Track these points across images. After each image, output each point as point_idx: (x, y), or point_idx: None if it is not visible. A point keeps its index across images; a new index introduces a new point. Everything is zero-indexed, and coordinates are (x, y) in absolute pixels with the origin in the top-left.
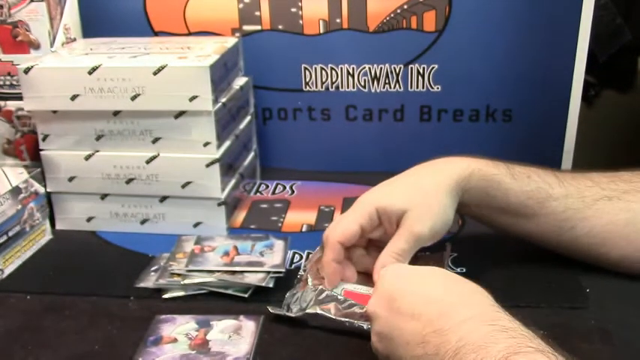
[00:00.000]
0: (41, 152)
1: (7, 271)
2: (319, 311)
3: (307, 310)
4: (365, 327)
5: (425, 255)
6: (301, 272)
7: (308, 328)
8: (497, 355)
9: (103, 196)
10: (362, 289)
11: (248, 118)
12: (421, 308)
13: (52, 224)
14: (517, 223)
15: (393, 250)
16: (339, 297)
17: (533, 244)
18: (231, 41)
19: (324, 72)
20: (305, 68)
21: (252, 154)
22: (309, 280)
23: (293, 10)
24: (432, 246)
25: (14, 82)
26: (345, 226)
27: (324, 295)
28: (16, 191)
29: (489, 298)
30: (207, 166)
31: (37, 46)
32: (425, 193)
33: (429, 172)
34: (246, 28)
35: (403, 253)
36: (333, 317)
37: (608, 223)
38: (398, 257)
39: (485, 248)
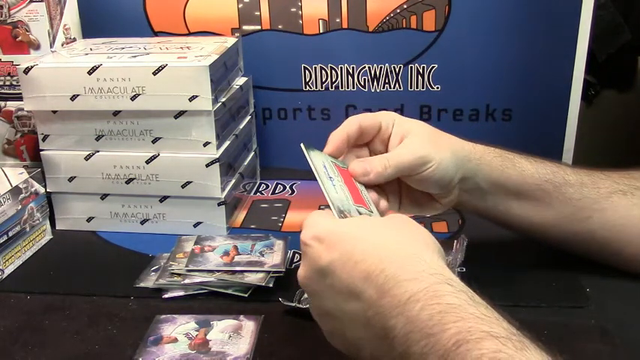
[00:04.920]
0: (41, 152)
1: (7, 271)
2: None
3: None
4: None
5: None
6: None
7: (308, 328)
8: (447, 344)
9: (103, 196)
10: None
11: (248, 117)
12: (358, 285)
13: (52, 224)
14: (534, 211)
15: (385, 155)
16: None
17: (538, 243)
18: (230, 41)
19: (323, 72)
20: (305, 68)
21: (252, 154)
22: None
23: (293, 9)
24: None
25: (14, 82)
26: (366, 114)
27: None
28: (16, 191)
29: (430, 249)
30: (207, 165)
31: (36, 46)
32: (437, 132)
33: None
34: (246, 27)
35: (391, 160)
36: None
37: (624, 217)
38: (387, 162)
39: (486, 248)
